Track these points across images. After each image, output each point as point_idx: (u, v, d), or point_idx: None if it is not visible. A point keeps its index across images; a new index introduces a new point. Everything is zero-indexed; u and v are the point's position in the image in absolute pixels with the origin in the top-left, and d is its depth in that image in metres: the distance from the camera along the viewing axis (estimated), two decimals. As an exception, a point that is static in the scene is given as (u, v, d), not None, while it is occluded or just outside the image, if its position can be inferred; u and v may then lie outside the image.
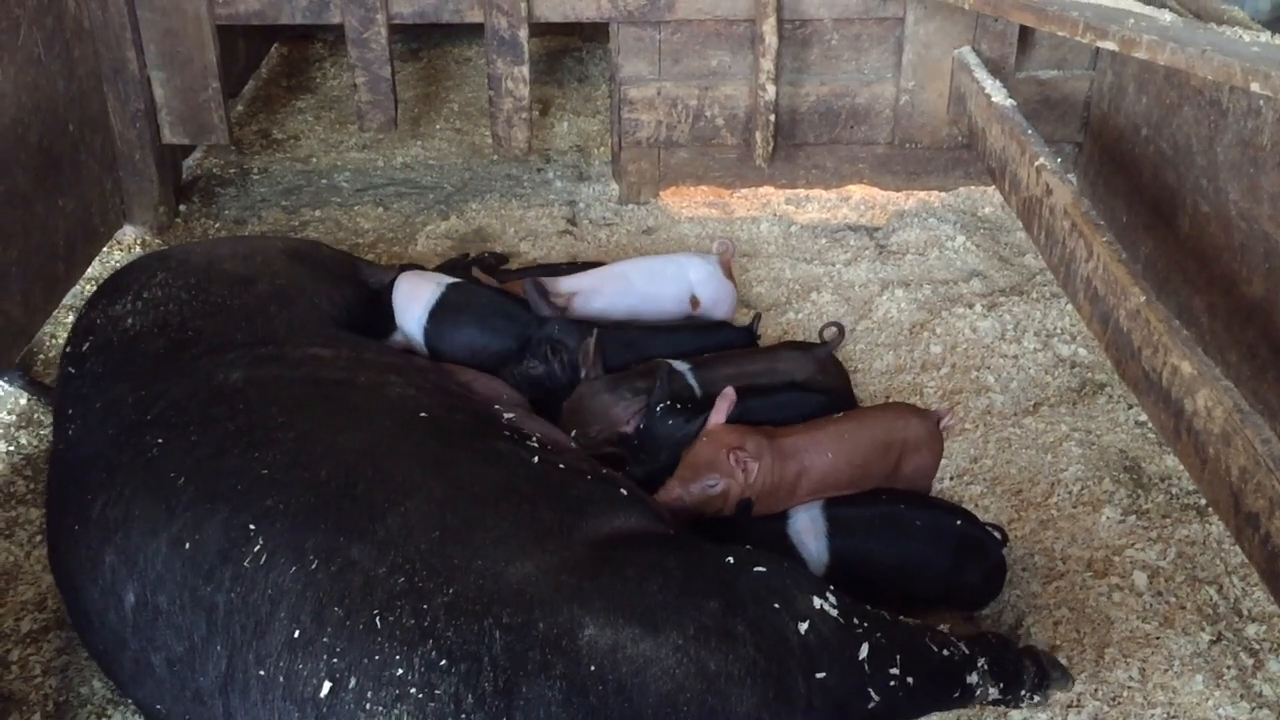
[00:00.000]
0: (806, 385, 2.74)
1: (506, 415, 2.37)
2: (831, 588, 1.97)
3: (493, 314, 2.87)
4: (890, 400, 3.01)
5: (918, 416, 2.56)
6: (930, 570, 2.31)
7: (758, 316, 3.04)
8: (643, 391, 2.62)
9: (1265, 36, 2.78)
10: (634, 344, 2.86)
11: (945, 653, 2.03)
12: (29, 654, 2.28)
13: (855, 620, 1.93)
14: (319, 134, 4.56)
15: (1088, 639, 2.32)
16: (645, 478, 2.43)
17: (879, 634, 1.93)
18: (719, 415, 2.43)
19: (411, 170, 4.29)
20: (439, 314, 2.84)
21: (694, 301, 3.06)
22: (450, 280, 2.93)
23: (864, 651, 1.89)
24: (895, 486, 2.51)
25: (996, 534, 2.38)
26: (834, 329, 2.84)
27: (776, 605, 1.87)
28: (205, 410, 2.10)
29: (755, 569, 1.93)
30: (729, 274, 3.13)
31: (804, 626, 1.86)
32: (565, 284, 2.99)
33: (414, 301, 2.87)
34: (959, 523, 2.35)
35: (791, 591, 1.91)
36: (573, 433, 2.57)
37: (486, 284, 3.03)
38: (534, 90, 3.84)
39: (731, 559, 1.94)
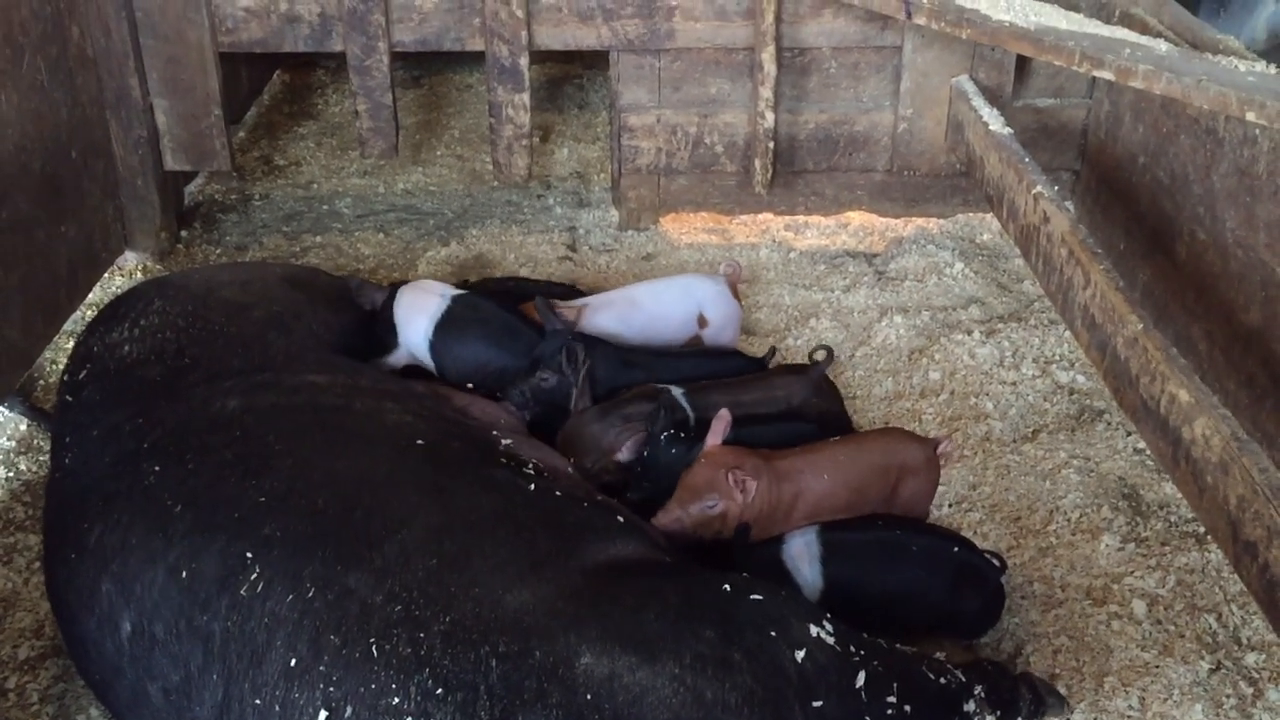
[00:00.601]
0: (804, 409, 2.74)
1: (504, 441, 2.37)
2: (828, 615, 1.97)
3: (500, 328, 2.85)
4: (889, 426, 3.01)
5: (915, 442, 2.56)
6: (927, 597, 2.30)
7: (773, 350, 3.04)
8: (634, 418, 2.62)
9: (1261, 66, 2.80)
10: (640, 368, 2.85)
11: (942, 680, 2.02)
12: (26, 681, 2.27)
13: (852, 648, 1.92)
14: (320, 160, 4.58)
15: (1087, 667, 2.31)
16: (642, 503, 2.43)
17: (876, 662, 1.93)
18: (715, 437, 2.43)
19: (412, 196, 4.31)
20: (445, 327, 2.83)
21: (702, 321, 3.07)
22: (454, 292, 2.92)
23: (861, 679, 1.89)
24: (891, 512, 2.51)
25: (995, 561, 2.38)
26: (823, 351, 2.85)
27: (773, 633, 1.86)
28: (202, 438, 2.10)
29: (752, 597, 1.92)
30: (735, 294, 3.14)
31: (801, 655, 1.85)
32: (574, 303, 2.99)
33: (419, 314, 2.85)
34: (956, 550, 2.35)
35: (788, 619, 1.90)
36: (570, 462, 2.57)
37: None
38: (534, 117, 3.86)
39: (728, 587, 1.94)
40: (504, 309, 2.92)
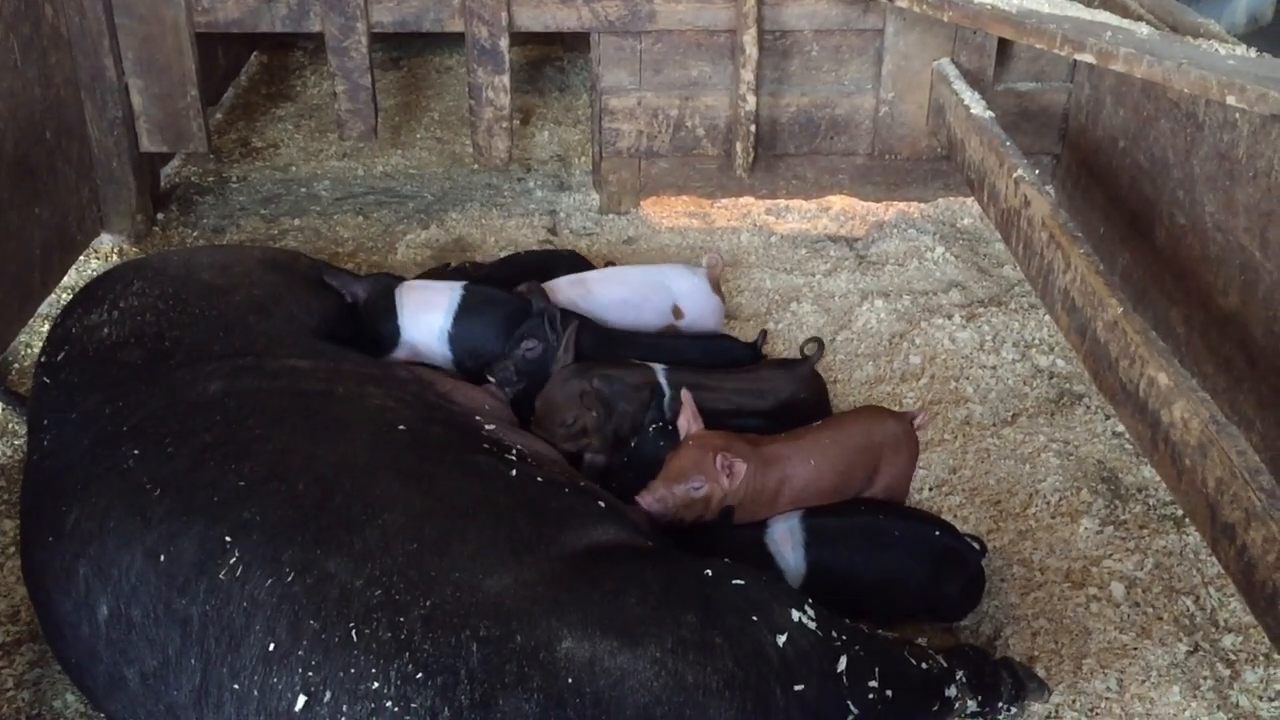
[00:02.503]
0: (790, 404, 2.73)
1: (488, 427, 2.36)
2: (810, 600, 1.97)
3: (514, 310, 2.86)
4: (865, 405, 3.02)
5: (893, 418, 2.59)
6: (909, 581, 2.31)
7: (763, 334, 3.02)
8: (613, 379, 2.61)
9: (1241, 50, 2.80)
10: (631, 346, 2.86)
11: (924, 666, 2.03)
12: (2, 667, 2.25)
13: (834, 633, 1.93)
14: (298, 142, 4.54)
15: (1065, 650, 2.32)
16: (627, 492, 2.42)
17: (857, 647, 1.93)
18: (695, 421, 2.43)
19: (392, 179, 4.28)
20: (462, 318, 2.84)
21: (677, 312, 3.06)
22: (459, 284, 2.92)
23: (842, 664, 1.89)
24: (874, 490, 2.52)
25: (975, 545, 2.38)
26: (814, 344, 2.84)
27: (755, 618, 1.86)
28: (182, 422, 2.08)
29: (733, 582, 1.92)
30: (717, 288, 3.13)
31: (782, 639, 1.86)
32: (547, 287, 2.99)
33: (430, 310, 2.84)
34: (938, 534, 2.35)
35: (770, 604, 1.90)
36: (550, 422, 2.56)
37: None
38: (515, 99, 3.84)
39: (710, 571, 1.94)
40: (505, 292, 2.93)
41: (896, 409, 3.01)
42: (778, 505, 2.39)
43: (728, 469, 2.31)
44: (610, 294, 3.02)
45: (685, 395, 2.49)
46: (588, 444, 2.60)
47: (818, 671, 1.86)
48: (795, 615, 1.90)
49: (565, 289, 3.00)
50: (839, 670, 1.88)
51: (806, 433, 2.52)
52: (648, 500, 2.30)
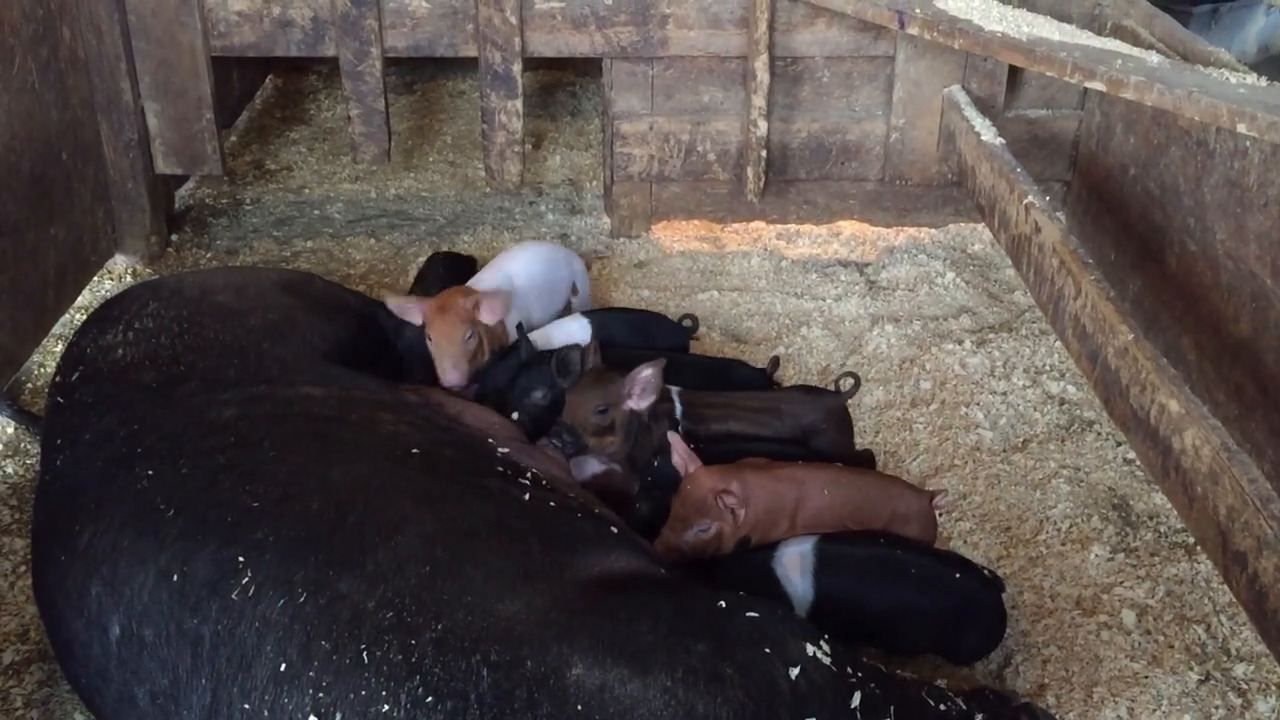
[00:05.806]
0: (810, 431, 2.71)
1: (501, 449, 2.36)
2: (826, 636, 1.94)
3: (639, 318, 3.19)
4: (880, 433, 3.02)
5: (912, 492, 2.52)
6: (920, 619, 2.27)
7: (775, 361, 3.01)
8: (644, 382, 2.62)
9: (1251, 78, 2.81)
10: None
11: (942, 708, 1.98)
12: (11, 686, 2.26)
13: (849, 669, 1.89)
14: (312, 165, 4.57)
15: (1076, 678, 2.31)
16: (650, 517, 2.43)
17: (873, 684, 1.89)
18: (690, 462, 2.40)
19: (404, 202, 4.31)
20: (598, 326, 3.06)
21: (574, 289, 3.34)
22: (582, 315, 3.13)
23: (856, 700, 1.85)
24: None
25: (987, 573, 2.34)
26: (850, 379, 2.81)
27: (767, 650, 1.84)
28: (196, 444, 2.09)
29: (747, 614, 1.90)
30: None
31: (795, 672, 1.83)
32: (480, 283, 3.10)
33: (570, 324, 3.07)
34: (958, 575, 2.29)
35: (784, 637, 1.88)
36: (581, 410, 2.56)
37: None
38: (527, 124, 3.86)
39: (723, 603, 1.92)
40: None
41: (907, 435, 3.02)
42: (796, 525, 2.37)
43: (729, 508, 2.30)
44: (530, 272, 3.17)
45: (673, 437, 2.46)
46: (612, 442, 2.59)
47: (830, 706, 1.83)
48: (810, 649, 1.87)
49: (494, 278, 3.12)
50: (852, 706, 1.84)
51: (823, 465, 2.51)
52: (663, 549, 2.29)
